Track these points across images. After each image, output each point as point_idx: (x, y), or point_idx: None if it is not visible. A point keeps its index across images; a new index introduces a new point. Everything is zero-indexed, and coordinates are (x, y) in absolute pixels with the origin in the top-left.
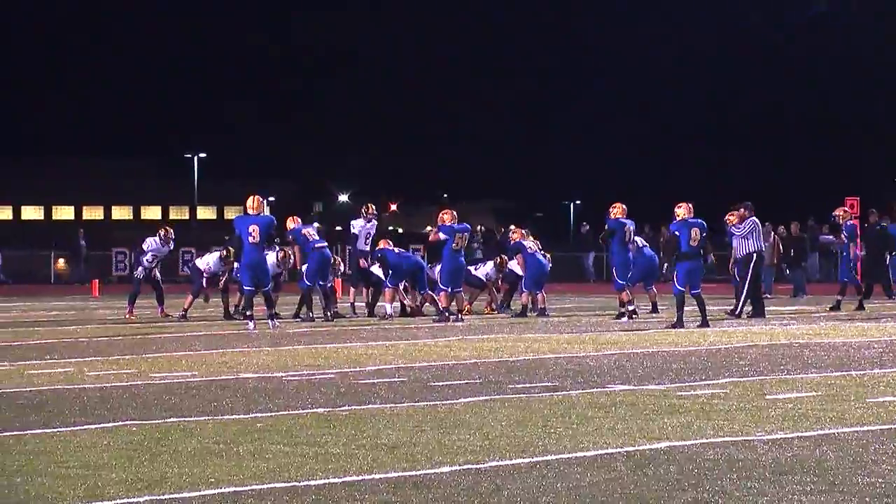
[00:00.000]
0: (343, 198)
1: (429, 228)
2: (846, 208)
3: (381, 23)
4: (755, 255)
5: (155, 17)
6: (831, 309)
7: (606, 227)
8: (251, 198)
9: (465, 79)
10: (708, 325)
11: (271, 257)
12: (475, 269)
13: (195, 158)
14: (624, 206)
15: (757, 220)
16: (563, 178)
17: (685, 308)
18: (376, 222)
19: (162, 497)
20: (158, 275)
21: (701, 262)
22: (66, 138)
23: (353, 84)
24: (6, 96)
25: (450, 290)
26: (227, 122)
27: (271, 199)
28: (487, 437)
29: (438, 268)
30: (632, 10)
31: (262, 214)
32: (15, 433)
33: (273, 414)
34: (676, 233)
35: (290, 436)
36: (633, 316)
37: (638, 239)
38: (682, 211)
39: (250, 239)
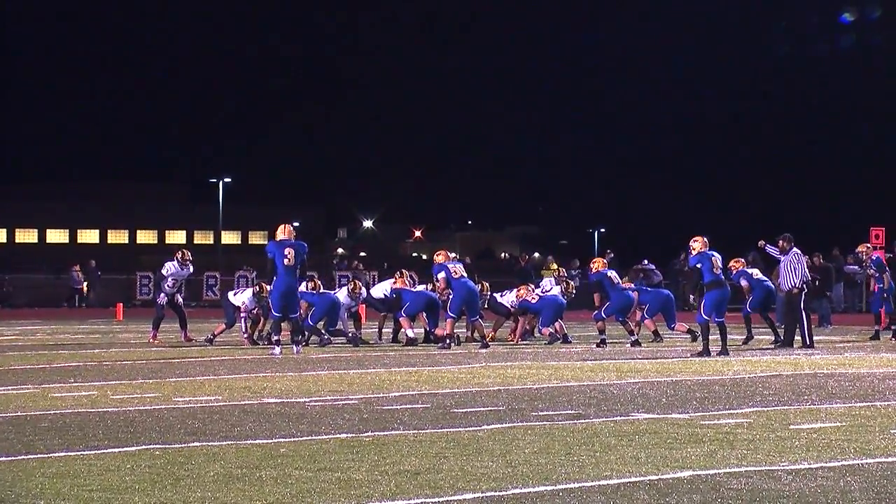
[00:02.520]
0: (368, 223)
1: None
2: (868, 245)
3: (407, 50)
4: (802, 285)
5: (183, 44)
6: (871, 338)
7: (590, 281)
8: (282, 227)
9: (490, 105)
10: (728, 354)
11: (342, 292)
12: (500, 297)
13: (220, 183)
14: (604, 260)
15: (799, 251)
16: (589, 205)
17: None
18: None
19: None
20: (181, 299)
21: (727, 290)
22: (91, 161)
23: (379, 110)
24: (31, 119)
25: (456, 317)
26: (253, 147)
27: (296, 224)
28: (510, 465)
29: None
30: (654, 47)
31: (296, 240)
32: (38, 456)
33: (296, 439)
34: (698, 265)
35: (313, 461)
36: (603, 345)
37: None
38: (699, 245)
39: (285, 261)
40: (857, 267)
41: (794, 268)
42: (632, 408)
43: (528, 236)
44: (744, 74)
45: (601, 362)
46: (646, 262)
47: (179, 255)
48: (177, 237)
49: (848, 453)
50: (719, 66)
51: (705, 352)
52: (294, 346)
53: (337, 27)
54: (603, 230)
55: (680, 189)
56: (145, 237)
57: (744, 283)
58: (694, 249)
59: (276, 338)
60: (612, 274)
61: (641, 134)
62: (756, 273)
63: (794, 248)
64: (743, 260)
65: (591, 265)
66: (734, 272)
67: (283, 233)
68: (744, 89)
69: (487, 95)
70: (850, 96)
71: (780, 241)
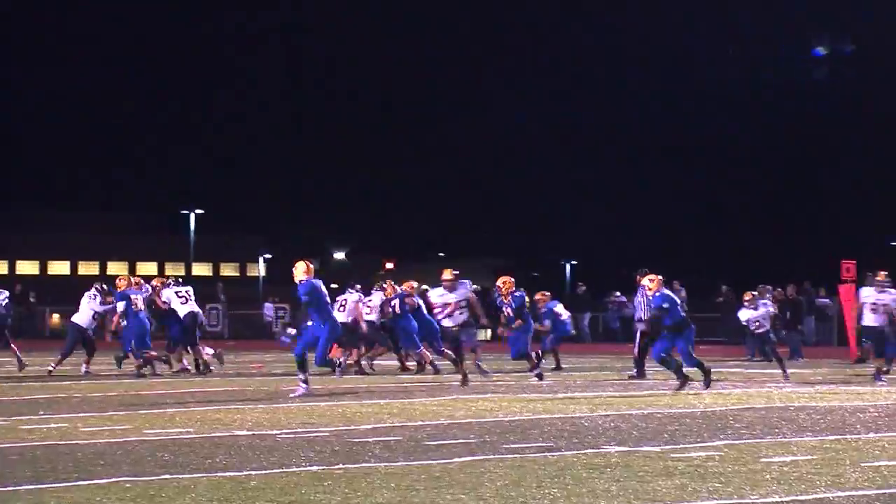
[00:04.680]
0: (339, 255)
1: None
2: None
3: (376, 77)
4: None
5: (153, 73)
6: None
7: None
8: (303, 263)
9: (461, 135)
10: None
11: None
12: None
13: (192, 214)
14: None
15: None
16: (561, 237)
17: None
18: (6, 293)
19: None
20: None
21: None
22: (63, 192)
23: (349, 139)
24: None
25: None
26: (224, 178)
27: (268, 255)
28: (481, 498)
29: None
30: (634, 78)
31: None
32: (9, 488)
33: (267, 472)
34: (665, 305)
35: (283, 493)
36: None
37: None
38: (655, 284)
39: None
40: (828, 300)
41: (638, 303)
42: (603, 440)
43: (500, 267)
44: (722, 106)
45: (572, 395)
46: (618, 294)
47: (99, 288)
48: (148, 268)
49: (819, 486)
50: (696, 97)
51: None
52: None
53: (308, 57)
54: (574, 262)
55: (646, 222)
56: (116, 269)
57: (546, 322)
58: (650, 289)
59: (303, 376)
60: (559, 308)
61: (617, 169)
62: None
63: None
64: (549, 294)
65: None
66: (541, 307)
67: (306, 268)
68: (720, 121)
69: (460, 123)
70: (824, 129)
71: (637, 276)
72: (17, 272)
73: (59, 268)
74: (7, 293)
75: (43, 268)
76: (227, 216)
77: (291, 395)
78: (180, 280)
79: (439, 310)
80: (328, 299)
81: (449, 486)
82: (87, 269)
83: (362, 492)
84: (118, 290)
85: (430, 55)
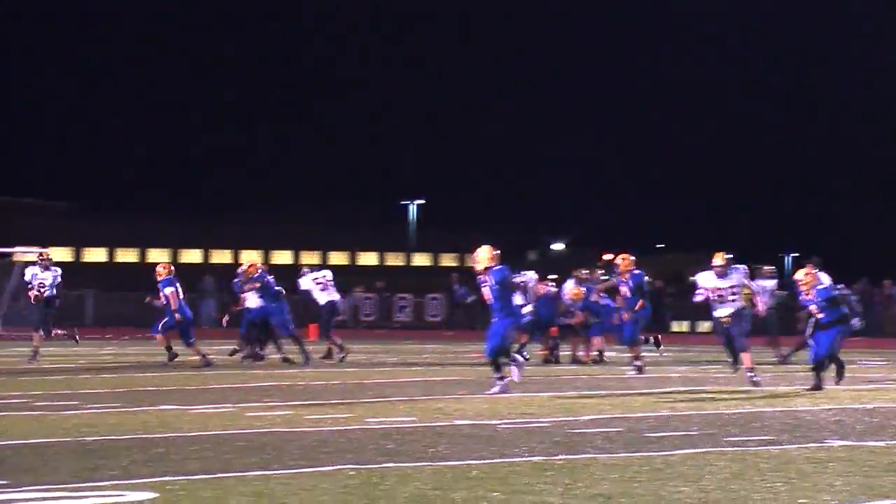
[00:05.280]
0: (559, 246)
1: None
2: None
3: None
4: None
5: (394, 72)
6: None
7: None
8: (489, 248)
9: (690, 134)
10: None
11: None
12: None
13: (412, 205)
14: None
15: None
16: (780, 229)
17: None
18: (55, 272)
19: None
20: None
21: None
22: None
23: (566, 131)
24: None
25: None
26: (445, 169)
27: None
28: (703, 490)
29: None
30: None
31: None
32: (236, 474)
33: (488, 461)
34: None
35: (505, 483)
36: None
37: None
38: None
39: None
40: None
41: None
42: (826, 434)
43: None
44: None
45: (794, 387)
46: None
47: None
48: (368, 258)
49: None
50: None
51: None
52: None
53: (541, 44)
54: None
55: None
56: (338, 259)
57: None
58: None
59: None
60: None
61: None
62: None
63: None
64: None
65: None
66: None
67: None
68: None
69: (680, 124)
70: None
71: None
72: (210, 261)
73: (282, 257)
74: (59, 272)
75: (266, 257)
76: (448, 207)
77: (488, 393)
78: (312, 269)
79: (708, 296)
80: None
81: (671, 479)
82: (309, 258)
83: (584, 483)
84: (160, 278)
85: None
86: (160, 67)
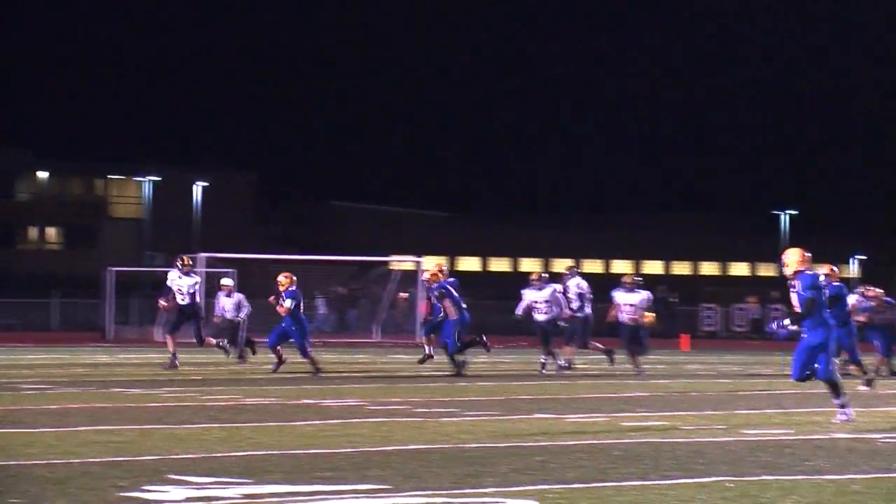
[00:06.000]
0: None
1: None
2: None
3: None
4: None
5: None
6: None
7: None
8: (799, 250)
9: None
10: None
11: None
12: None
13: (783, 215)
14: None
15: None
16: None
17: None
18: (197, 279)
19: None
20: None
21: None
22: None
23: None
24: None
25: None
26: (820, 178)
27: (862, 257)
28: None
29: None
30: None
31: None
32: (613, 483)
33: (870, 475)
34: None
35: (890, 499)
36: None
37: None
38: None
39: None
40: None
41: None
42: None
43: None
44: None
45: None
46: None
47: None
48: (739, 269)
49: None
50: None
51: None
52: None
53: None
54: None
55: None
56: (709, 269)
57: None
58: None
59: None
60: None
61: None
62: None
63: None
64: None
65: None
66: None
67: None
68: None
69: None
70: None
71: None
72: (611, 271)
73: (652, 267)
74: (198, 280)
75: (637, 267)
76: (820, 217)
77: (833, 421)
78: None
79: None
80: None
81: None
82: (680, 269)
83: None
84: (283, 288)
85: None
86: (550, 96)
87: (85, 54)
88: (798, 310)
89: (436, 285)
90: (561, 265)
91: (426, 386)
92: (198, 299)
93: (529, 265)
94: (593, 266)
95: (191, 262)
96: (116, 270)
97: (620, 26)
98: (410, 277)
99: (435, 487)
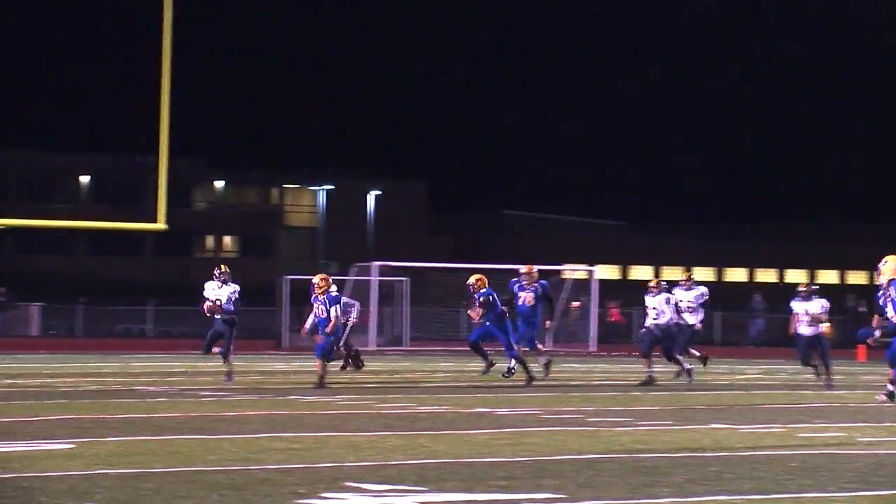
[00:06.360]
0: None
1: None
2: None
3: None
4: None
5: None
6: None
7: None
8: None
9: None
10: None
11: None
12: None
13: None
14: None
15: None
16: None
17: None
18: (235, 288)
19: None
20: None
21: None
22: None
23: None
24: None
25: None
26: None
27: None
28: None
29: None
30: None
31: None
32: (791, 495)
33: None
34: None
35: None
36: None
37: None
38: None
39: None
40: None
41: None
42: None
43: None
44: None
45: None
46: None
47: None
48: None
49: None
50: None
51: None
52: None
53: None
54: None
55: None
56: (855, 278)
57: None
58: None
59: None
60: None
61: None
62: None
63: None
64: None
65: None
66: None
67: None
68: None
69: None
70: None
71: None
72: (786, 280)
73: (828, 277)
74: (237, 288)
75: (812, 277)
76: None
77: None
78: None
79: None
80: None
81: None
82: (855, 278)
83: None
84: (320, 292)
85: None
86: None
87: (260, 65)
88: (893, 319)
89: (484, 291)
90: (733, 274)
91: (599, 395)
92: (234, 308)
93: (701, 274)
94: (766, 276)
95: (228, 271)
96: (291, 279)
97: None
98: (583, 286)
99: (610, 497)
